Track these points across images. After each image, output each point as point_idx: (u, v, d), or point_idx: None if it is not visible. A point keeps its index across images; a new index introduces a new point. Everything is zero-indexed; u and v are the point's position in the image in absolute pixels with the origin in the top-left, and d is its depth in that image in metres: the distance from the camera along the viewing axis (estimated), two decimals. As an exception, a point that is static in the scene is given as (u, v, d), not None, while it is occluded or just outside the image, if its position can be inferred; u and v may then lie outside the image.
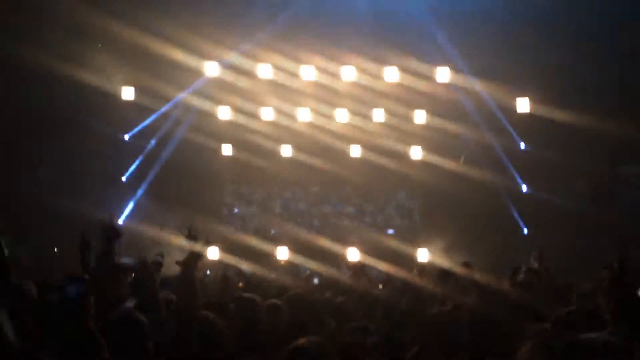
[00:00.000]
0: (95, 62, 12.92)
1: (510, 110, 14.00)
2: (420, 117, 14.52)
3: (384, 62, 13.73)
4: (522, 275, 5.77)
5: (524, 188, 14.90)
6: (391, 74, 13.76)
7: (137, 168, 15.21)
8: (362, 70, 13.95)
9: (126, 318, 2.91)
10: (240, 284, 8.53)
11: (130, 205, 15.09)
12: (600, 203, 13.74)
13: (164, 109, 14.55)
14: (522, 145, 14.67)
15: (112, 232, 4.01)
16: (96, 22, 12.35)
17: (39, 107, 12.72)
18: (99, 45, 13.10)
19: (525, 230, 14.80)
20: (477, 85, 13.72)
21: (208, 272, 11.56)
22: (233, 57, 13.82)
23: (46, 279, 4.76)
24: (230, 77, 14.20)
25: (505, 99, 13.70)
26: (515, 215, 14.79)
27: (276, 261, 14.48)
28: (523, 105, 13.66)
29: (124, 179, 15.14)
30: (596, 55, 12.45)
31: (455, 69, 13.59)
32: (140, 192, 15.26)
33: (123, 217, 15.01)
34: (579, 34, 12.21)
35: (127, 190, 15.14)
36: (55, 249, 12.90)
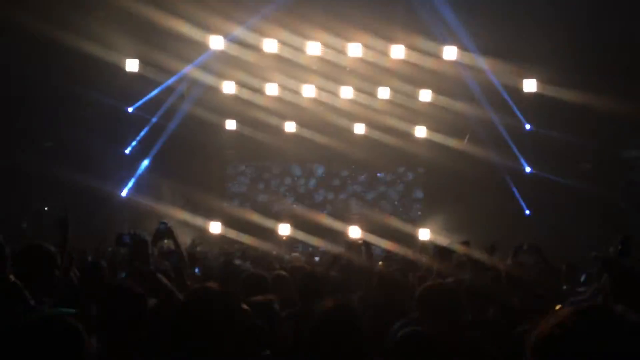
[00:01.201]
0: (100, 33, 12.83)
1: (517, 90, 13.90)
2: (425, 95, 14.44)
3: (391, 39, 13.60)
4: (524, 253, 5.78)
5: (528, 169, 14.87)
6: (397, 52, 13.64)
7: (141, 141, 15.21)
8: (369, 47, 13.82)
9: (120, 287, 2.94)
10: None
11: (134, 178, 15.15)
12: (603, 185, 13.69)
13: (168, 82, 14.47)
14: (527, 126, 14.60)
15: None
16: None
17: (42, 79, 12.68)
18: (104, 16, 12.99)
19: (527, 211, 14.80)
20: (484, 64, 13.60)
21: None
22: (239, 32, 13.70)
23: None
24: (235, 51, 14.10)
25: (512, 78, 13.59)
26: (518, 195, 14.79)
27: (278, 237, 14.60)
28: (529, 85, 13.56)
29: (127, 151, 15.16)
30: (605, 36, 12.29)
31: (462, 47, 13.45)
32: (143, 165, 15.29)
33: (126, 189, 15.07)
34: (589, 13, 12.04)
35: (130, 163, 15.17)
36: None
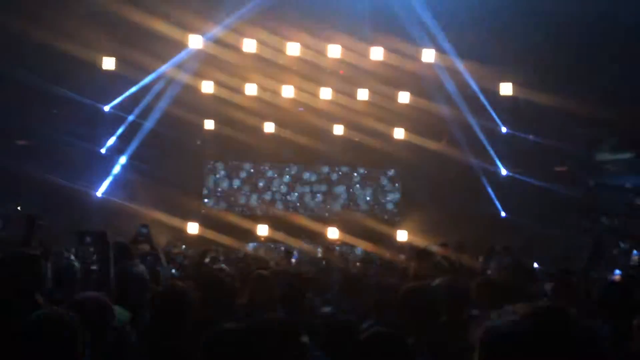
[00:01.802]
0: (76, 30, 12.63)
1: (493, 93, 14.08)
2: (404, 97, 14.54)
3: (370, 41, 13.67)
4: (497, 254, 5.88)
5: (504, 171, 15.07)
6: (376, 54, 13.72)
7: (117, 140, 15.01)
8: (348, 49, 13.87)
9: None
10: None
11: (109, 178, 14.95)
12: (577, 187, 13.96)
13: (145, 81, 14.32)
14: (503, 129, 14.79)
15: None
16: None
17: (18, 77, 12.45)
18: (82, 13, 12.80)
19: (503, 213, 15.00)
20: (462, 67, 13.74)
21: (183, 246, 11.51)
22: (218, 31, 13.63)
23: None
24: (214, 50, 14.02)
25: (489, 81, 13.76)
26: (494, 197, 14.97)
27: (256, 237, 14.57)
28: (506, 88, 13.76)
29: (103, 150, 14.95)
30: (579, 40, 12.52)
31: (440, 50, 13.58)
32: (119, 165, 15.10)
33: (102, 189, 14.88)
34: (563, 17, 12.24)
35: (106, 162, 14.96)
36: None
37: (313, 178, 16.97)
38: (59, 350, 2.00)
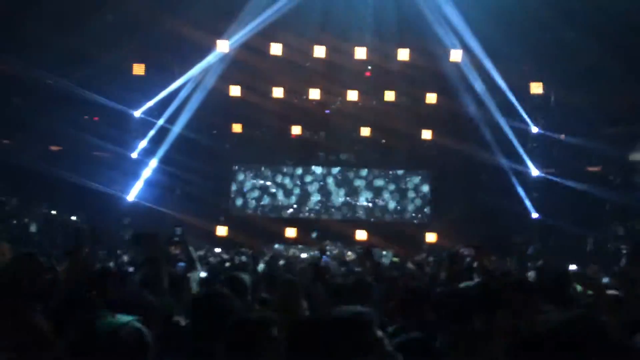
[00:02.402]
0: (107, 37, 12.87)
1: (523, 92, 13.86)
2: (431, 98, 14.42)
3: (396, 42, 13.61)
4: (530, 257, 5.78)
5: (534, 171, 14.81)
6: (403, 55, 13.65)
7: (147, 145, 15.22)
8: (374, 51, 13.83)
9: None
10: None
11: (140, 182, 15.17)
12: (612, 188, 13.62)
13: (174, 86, 14.52)
14: (534, 129, 14.55)
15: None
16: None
17: (50, 83, 12.75)
18: (112, 20, 13.04)
19: (535, 214, 14.73)
20: (490, 67, 13.57)
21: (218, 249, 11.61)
22: (244, 35, 13.73)
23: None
24: (241, 54, 14.14)
25: (518, 80, 13.56)
26: (525, 198, 14.71)
27: (285, 239, 14.61)
28: (536, 88, 13.54)
29: (134, 155, 15.19)
30: (611, 37, 12.24)
31: (467, 50, 13.44)
32: (150, 168, 15.30)
33: (133, 193, 15.10)
34: (594, 14, 11.99)
35: (137, 166, 15.19)
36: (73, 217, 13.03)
37: (340, 180, 16.93)
38: None
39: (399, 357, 1.92)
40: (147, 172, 15.24)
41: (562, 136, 13.91)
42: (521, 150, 14.58)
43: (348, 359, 1.63)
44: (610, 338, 1.23)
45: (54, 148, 14.49)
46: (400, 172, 16.74)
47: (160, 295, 3.33)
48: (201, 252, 10.73)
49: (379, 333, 1.76)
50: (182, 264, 5.16)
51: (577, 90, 12.47)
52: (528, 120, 14.39)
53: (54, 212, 12.66)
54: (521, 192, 14.70)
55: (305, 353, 1.68)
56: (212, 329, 2.88)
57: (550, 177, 14.40)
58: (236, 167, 16.90)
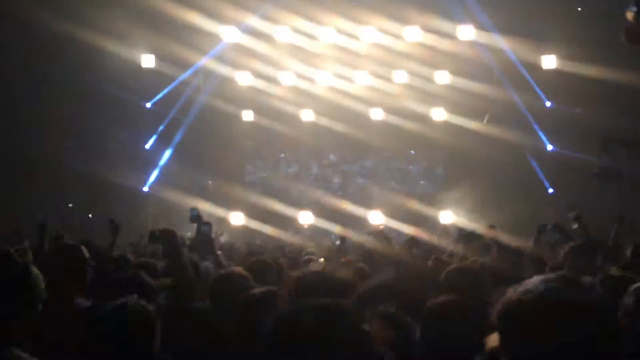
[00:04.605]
0: (116, 29, 12.90)
1: (536, 67, 13.65)
2: (442, 77, 14.26)
3: (405, 21, 13.43)
4: (548, 233, 5.71)
5: (549, 147, 14.63)
6: (412, 34, 13.48)
7: (160, 136, 15.32)
8: (383, 31, 13.67)
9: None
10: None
11: (156, 172, 15.28)
12: (629, 162, 13.39)
13: (184, 76, 14.54)
14: (548, 103, 14.34)
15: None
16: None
17: (61, 76, 12.83)
18: (120, 11, 13.05)
19: (551, 190, 14.59)
20: (501, 43, 13.36)
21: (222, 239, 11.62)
22: (252, 21, 13.66)
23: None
24: (249, 41, 14.08)
25: (530, 55, 13.34)
26: (540, 175, 14.57)
27: (298, 226, 14.62)
28: (549, 61, 13.30)
29: (147, 146, 15.29)
30: (624, 8, 11.96)
31: (478, 26, 13.23)
32: (163, 159, 15.41)
33: (148, 184, 15.22)
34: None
35: (151, 157, 15.30)
36: (90, 215, 13.21)
37: (353, 163, 16.90)
38: (135, 343, 1.99)
39: (385, 354, 1.90)
40: (161, 163, 15.35)
41: (577, 109, 13.66)
42: (535, 126, 14.41)
43: (331, 348, 1.63)
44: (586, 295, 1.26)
45: (69, 142, 14.62)
46: (414, 152, 16.66)
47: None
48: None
49: (366, 327, 1.76)
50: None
51: (591, 62, 12.23)
52: (541, 94, 14.20)
53: (70, 205, 12.81)
54: (537, 168, 14.56)
55: (289, 342, 1.69)
56: (230, 308, 2.93)
57: (565, 151, 14.22)
58: (249, 154, 16.94)
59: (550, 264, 4.22)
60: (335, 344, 1.64)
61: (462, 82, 14.14)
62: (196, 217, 5.37)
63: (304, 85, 14.86)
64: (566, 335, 1.21)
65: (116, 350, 1.98)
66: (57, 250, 3.56)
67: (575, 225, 5.37)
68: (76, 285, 3.19)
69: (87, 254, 3.42)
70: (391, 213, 14.47)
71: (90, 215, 13.07)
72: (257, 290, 2.86)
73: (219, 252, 5.02)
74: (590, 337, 1.21)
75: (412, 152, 16.58)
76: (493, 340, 1.85)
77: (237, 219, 13.49)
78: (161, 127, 15.24)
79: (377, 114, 15.19)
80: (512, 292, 1.29)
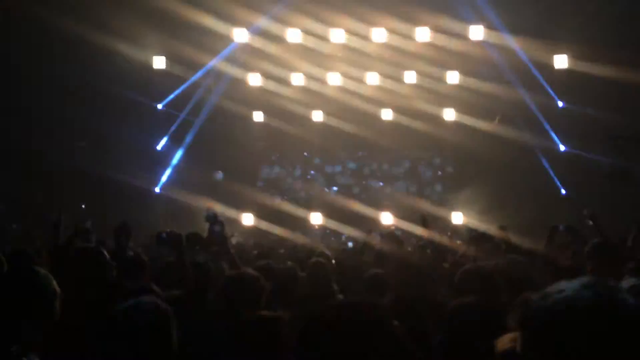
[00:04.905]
0: (127, 30, 12.99)
1: (547, 67, 13.56)
2: (453, 77, 14.21)
3: (415, 21, 13.41)
4: (560, 234, 5.66)
5: (562, 147, 14.53)
6: (423, 34, 13.44)
7: (172, 137, 15.40)
8: (393, 31, 13.65)
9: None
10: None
11: (167, 173, 15.37)
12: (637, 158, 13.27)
13: (195, 77, 14.61)
14: (560, 103, 14.24)
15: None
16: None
17: (73, 77, 12.93)
18: (131, 13, 13.13)
19: (564, 191, 14.48)
20: (512, 43, 13.28)
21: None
22: (263, 22, 13.70)
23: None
24: (259, 42, 14.13)
25: (542, 55, 13.25)
26: (553, 175, 14.47)
27: (310, 226, 14.64)
28: (560, 61, 13.22)
29: (158, 147, 15.37)
30: (635, 7, 11.86)
31: (489, 26, 13.17)
32: (175, 161, 15.49)
33: (160, 185, 15.30)
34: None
35: (163, 159, 15.38)
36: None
37: (363, 164, 16.89)
38: (153, 340, 1.95)
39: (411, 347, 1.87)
40: (172, 164, 15.44)
41: (589, 109, 13.55)
42: (547, 126, 14.31)
43: (361, 346, 1.60)
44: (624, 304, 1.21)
45: (80, 144, 14.73)
46: (424, 153, 16.60)
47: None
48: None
49: (395, 322, 1.72)
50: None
51: (603, 61, 12.13)
52: (553, 94, 14.10)
53: (83, 206, 12.89)
54: (549, 169, 14.46)
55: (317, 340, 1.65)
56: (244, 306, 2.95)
57: (578, 152, 14.11)
58: (260, 155, 16.98)
59: (563, 265, 4.19)
60: (361, 340, 1.61)
61: (473, 83, 14.08)
62: (212, 217, 5.39)
63: (314, 86, 14.88)
64: (607, 344, 1.16)
65: (130, 351, 1.95)
66: (79, 253, 3.61)
67: (590, 223, 5.31)
68: (98, 288, 3.23)
69: (108, 257, 3.46)
70: (401, 214, 14.47)
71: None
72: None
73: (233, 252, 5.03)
74: (634, 346, 1.17)
75: (422, 153, 16.51)
76: (504, 342, 1.84)
77: (248, 219, 13.55)
78: (172, 128, 15.32)
79: (387, 115, 15.17)
80: (544, 296, 1.25)
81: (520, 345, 1.27)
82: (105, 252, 3.49)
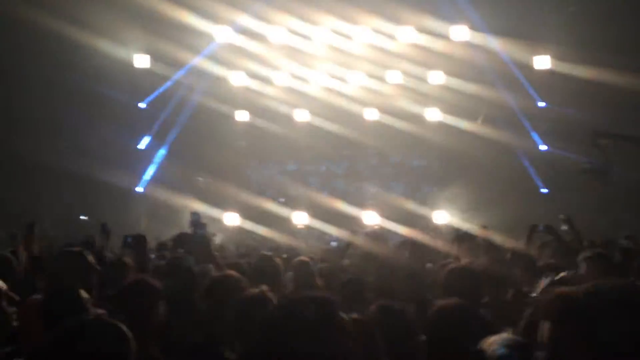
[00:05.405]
0: (109, 28, 12.86)
1: (529, 68, 13.71)
2: (436, 77, 14.30)
3: (399, 21, 13.47)
4: (540, 233, 5.74)
5: (542, 147, 14.70)
6: (406, 34, 13.51)
7: (154, 136, 15.28)
8: (377, 31, 13.70)
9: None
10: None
11: (150, 172, 15.24)
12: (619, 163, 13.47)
13: (177, 76, 14.51)
14: (541, 103, 14.41)
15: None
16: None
17: (54, 76, 12.77)
18: (113, 11, 13.00)
19: (544, 190, 14.66)
20: (495, 43, 13.41)
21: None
22: (245, 21, 13.65)
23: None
24: (242, 41, 14.08)
25: (523, 55, 13.40)
26: (533, 175, 14.64)
27: (293, 226, 14.62)
28: (541, 62, 13.37)
29: (141, 146, 15.24)
30: (616, 10, 12.04)
31: (472, 27, 13.28)
32: (157, 159, 15.37)
33: (141, 184, 15.18)
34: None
35: (145, 157, 15.25)
36: (83, 217, 13.17)
37: (347, 163, 16.92)
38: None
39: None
40: (155, 163, 15.32)
41: (569, 110, 13.74)
42: (528, 126, 14.47)
43: (317, 339, 1.61)
44: None
45: (63, 144, 14.57)
46: (407, 152, 16.68)
47: None
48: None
49: (345, 316, 1.75)
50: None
51: (583, 62, 12.30)
52: (534, 95, 14.26)
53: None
54: (529, 168, 14.62)
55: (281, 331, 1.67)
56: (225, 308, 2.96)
57: (558, 151, 14.29)
58: (244, 155, 16.92)
59: (540, 263, 4.25)
60: (314, 335, 1.62)
61: (456, 83, 14.18)
62: (196, 222, 5.36)
63: (297, 85, 14.87)
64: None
65: None
66: (62, 256, 3.57)
67: (565, 227, 5.42)
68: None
69: (92, 260, 3.41)
70: (385, 213, 14.53)
71: (82, 217, 13.01)
72: (251, 290, 2.88)
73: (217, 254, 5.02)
74: None
75: (406, 153, 16.58)
76: (491, 342, 1.87)
77: (231, 219, 13.49)
78: (155, 127, 15.20)
79: (371, 114, 15.21)
80: (586, 293, 1.29)
81: (548, 338, 1.30)
82: (89, 256, 3.44)
